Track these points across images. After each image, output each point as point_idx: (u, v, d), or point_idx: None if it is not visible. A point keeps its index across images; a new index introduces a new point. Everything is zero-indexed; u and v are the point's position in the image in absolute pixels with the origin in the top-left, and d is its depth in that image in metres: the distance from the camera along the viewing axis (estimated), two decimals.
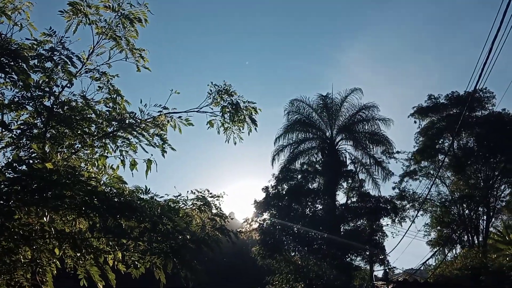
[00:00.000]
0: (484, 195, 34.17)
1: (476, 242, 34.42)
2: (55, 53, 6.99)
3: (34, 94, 7.09)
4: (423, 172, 37.93)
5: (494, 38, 12.68)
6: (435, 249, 38.46)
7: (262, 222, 31.78)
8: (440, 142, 37.04)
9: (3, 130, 6.71)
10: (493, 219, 36.00)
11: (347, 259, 31.08)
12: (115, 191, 6.44)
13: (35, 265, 6.47)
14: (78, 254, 6.61)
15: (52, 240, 6.26)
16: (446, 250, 37.96)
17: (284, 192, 32.36)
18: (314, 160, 34.94)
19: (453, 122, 35.06)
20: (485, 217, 34.91)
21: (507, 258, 28.06)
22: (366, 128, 35.60)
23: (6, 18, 6.93)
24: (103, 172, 7.61)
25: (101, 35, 7.81)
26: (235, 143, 8.95)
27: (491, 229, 35.00)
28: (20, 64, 5.82)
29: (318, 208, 32.67)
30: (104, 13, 7.67)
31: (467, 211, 36.05)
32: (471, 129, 35.32)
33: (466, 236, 35.98)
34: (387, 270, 34.66)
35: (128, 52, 8.06)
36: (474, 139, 35.49)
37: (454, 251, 37.54)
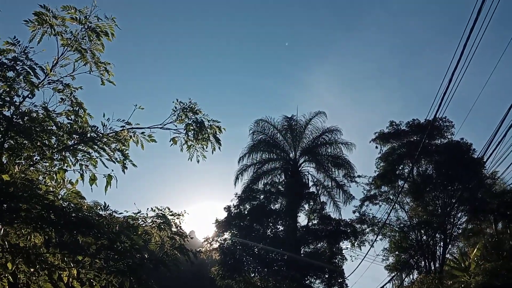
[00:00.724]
0: (441, 222, 34.63)
1: (433, 268, 34.79)
2: (18, 62, 6.84)
3: None
4: (383, 197, 38.31)
5: (454, 69, 12.99)
6: (393, 274, 38.80)
7: (223, 242, 31.63)
8: (400, 168, 37.53)
9: None
10: (450, 245, 36.54)
11: (307, 281, 31.11)
12: (73, 206, 6.30)
13: None
14: (32, 270, 6.47)
15: (5, 254, 6.07)
16: (403, 275, 38.31)
17: (246, 212, 32.32)
18: (277, 180, 35.17)
19: (413, 149, 35.65)
20: (442, 243, 35.36)
21: (462, 286, 28.49)
22: (329, 151, 36.09)
23: None
24: (62, 186, 7.44)
25: (66, 47, 7.71)
26: (198, 161, 8.90)
27: (447, 255, 35.48)
28: None
29: (280, 229, 32.75)
30: (70, 25, 7.61)
31: (424, 237, 36.47)
32: (430, 156, 35.92)
33: (423, 262, 36.35)
34: None
35: (93, 65, 7.96)
36: (433, 167, 36.08)
37: (411, 276, 37.93)
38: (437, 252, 35.64)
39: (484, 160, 22.19)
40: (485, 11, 11.40)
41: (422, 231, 36.43)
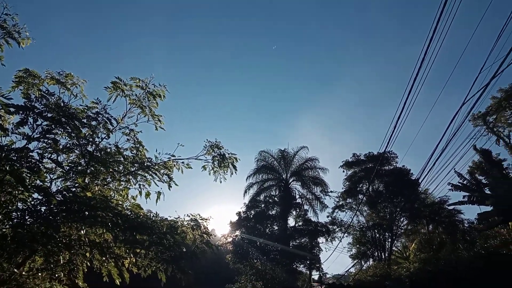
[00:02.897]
0: (389, 224, 34.37)
1: (383, 257, 34.38)
2: (99, 115, 6.99)
3: (81, 142, 7.03)
4: (348, 206, 38.06)
5: (398, 117, 13.21)
6: (355, 261, 38.32)
7: (234, 237, 31.35)
8: (360, 185, 37.37)
9: (57, 166, 6.59)
10: (395, 241, 36.15)
11: (294, 266, 30.68)
12: (134, 214, 6.35)
13: (71, 265, 6.25)
14: (104, 258, 6.44)
15: (85, 247, 6.10)
16: (362, 262, 37.78)
17: (251, 216, 32.16)
18: (273, 194, 35.00)
19: (369, 172, 35.62)
20: (389, 239, 35.01)
21: (404, 269, 28.07)
22: (310, 173, 36.00)
23: (67, 90, 6.94)
24: (126, 200, 7.50)
25: (132, 104, 7.85)
26: (221, 182, 8.92)
27: (394, 248, 35.11)
28: (75, 122, 5.81)
29: (275, 228, 32.52)
30: (135, 89, 7.76)
31: (377, 235, 36.11)
32: (381, 178, 35.84)
33: (376, 252, 35.91)
34: (321, 274, 34.38)
35: (150, 117, 8.08)
36: (383, 185, 35.94)
37: (368, 262, 37.39)
38: (386, 245, 35.25)
39: (420, 181, 22.12)
40: (420, 77, 11.66)
41: (376, 231, 36.06)
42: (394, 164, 36.76)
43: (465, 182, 29.60)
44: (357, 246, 37.82)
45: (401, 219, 36.10)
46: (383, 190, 35.96)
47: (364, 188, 37.10)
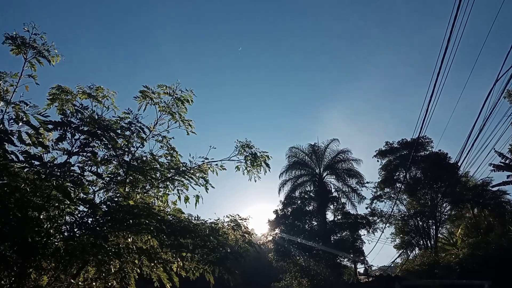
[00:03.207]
0: (431, 211, 33.43)
1: (429, 245, 33.44)
2: (132, 125, 7.07)
3: (118, 153, 7.14)
4: (386, 196, 37.31)
5: (429, 101, 12.75)
6: (400, 251, 37.52)
7: (274, 236, 31.29)
8: (396, 174, 36.57)
9: (98, 178, 6.73)
10: (440, 228, 35.10)
11: (337, 261, 30.28)
12: (176, 218, 6.38)
13: (122, 273, 6.35)
14: (152, 264, 6.51)
15: (134, 255, 6.18)
16: (408, 251, 36.91)
17: (289, 214, 32.02)
18: (308, 190, 34.67)
19: (404, 160, 34.81)
20: (434, 227, 34.04)
21: (453, 256, 27.18)
22: (344, 166, 35.50)
23: (98, 103, 7.08)
24: (167, 206, 7.57)
25: (162, 112, 7.92)
26: (255, 181, 8.84)
27: (439, 235, 34.12)
28: (111, 134, 5.90)
29: (314, 224, 32.24)
30: (163, 97, 7.82)
31: (420, 223, 35.20)
32: (417, 164, 34.92)
33: (421, 241, 34.99)
34: (367, 267, 33.84)
35: (180, 122, 8.11)
36: (421, 171, 35.01)
37: (414, 252, 36.51)
38: (431, 233, 34.32)
39: (459, 164, 21.29)
40: (447, 58, 11.21)
41: (418, 219, 35.18)
42: (430, 149, 35.79)
43: (507, 162, 28.33)
44: (400, 235, 36.99)
45: (444, 205, 35.05)
46: (421, 177, 35.02)
47: (401, 176, 36.24)
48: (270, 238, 31.51)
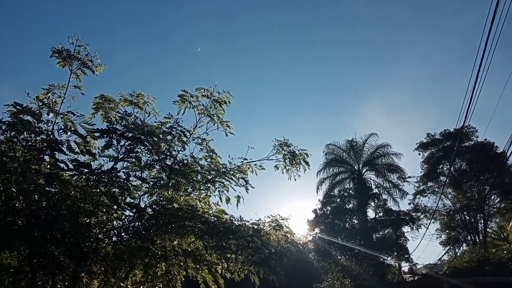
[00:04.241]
0: (479, 204, 32.04)
1: (477, 240, 32.05)
2: (173, 129, 7.22)
3: (160, 157, 7.30)
4: (430, 190, 36.15)
5: (473, 87, 12.25)
6: (447, 248, 36.24)
7: (314, 235, 30.99)
8: (440, 167, 35.32)
9: (142, 183, 6.92)
10: (489, 222, 33.52)
11: (380, 259, 29.58)
12: (219, 220, 6.44)
13: (169, 275, 6.49)
14: (197, 266, 6.60)
15: (180, 257, 6.29)
16: (455, 248, 35.55)
17: (328, 212, 31.58)
18: (347, 187, 34.06)
19: (447, 151, 33.61)
20: (482, 221, 32.60)
21: (505, 252, 25.88)
22: (383, 161, 34.58)
23: (140, 109, 7.27)
24: (210, 207, 7.68)
25: (200, 114, 8.02)
26: (295, 180, 8.76)
27: (488, 229, 32.60)
28: (154, 139, 6.05)
29: (355, 222, 31.66)
30: (201, 99, 7.92)
31: (467, 217, 33.81)
32: (462, 156, 33.58)
33: (469, 236, 33.61)
34: (412, 265, 32.89)
35: (219, 124, 8.19)
36: (466, 163, 33.66)
37: (461, 248, 35.14)
38: (479, 227, 32.88)
39: (507, 153, 20.24)
40: (490, 41, 10.68)
41: (465, 213, 33.83)
42: (475, 139, 34.41)
43: None
44: (447, 231, 35.74)
45: (492, 197, 33.53)
46: (466, 169, 33.66)
47: (444, 169, 34.98)
48: (310, 238, 31.25)
